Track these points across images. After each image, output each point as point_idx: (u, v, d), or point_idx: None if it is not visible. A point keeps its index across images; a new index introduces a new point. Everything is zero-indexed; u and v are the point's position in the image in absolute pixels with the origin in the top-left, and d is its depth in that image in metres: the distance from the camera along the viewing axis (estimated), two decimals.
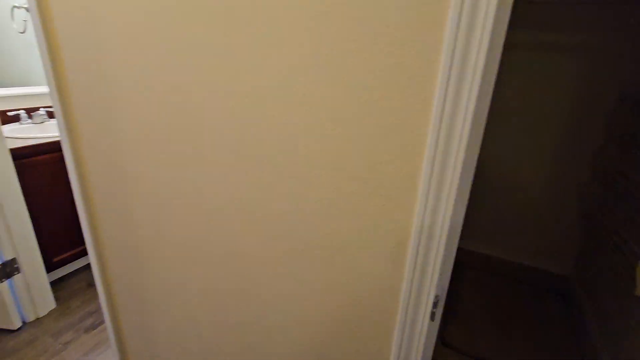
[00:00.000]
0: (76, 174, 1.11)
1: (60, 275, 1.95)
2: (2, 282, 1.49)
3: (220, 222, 0.84)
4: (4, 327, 1.57)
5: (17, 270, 1.55)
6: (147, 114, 0.86)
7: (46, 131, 1.97)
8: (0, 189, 1.44)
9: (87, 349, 1.52)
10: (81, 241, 1.98)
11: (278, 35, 0.61)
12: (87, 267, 2.06)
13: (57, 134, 1.81)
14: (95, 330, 1.61)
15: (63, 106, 1.01)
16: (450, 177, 0.53)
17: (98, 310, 1.74)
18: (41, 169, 1.70)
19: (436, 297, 0.59)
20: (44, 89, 2.12)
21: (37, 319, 1.66)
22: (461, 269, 2.08)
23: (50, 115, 2.09)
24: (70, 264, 1.99)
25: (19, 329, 1.59)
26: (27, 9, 2.23)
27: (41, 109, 2.00)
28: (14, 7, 2.22)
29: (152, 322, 1.17)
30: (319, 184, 0.66)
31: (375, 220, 0.62)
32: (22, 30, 2.28)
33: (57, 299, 1.78)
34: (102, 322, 1.67)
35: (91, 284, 1.92)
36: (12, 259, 1.53)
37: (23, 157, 1.60)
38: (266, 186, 0.73)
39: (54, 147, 1.74)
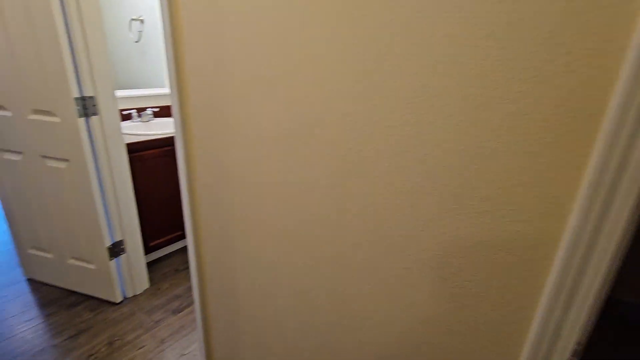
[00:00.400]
0: (185, 168, 1.20)
1: (153, 259, 2.17)
2: (111, 260, 1.70)
3: (321, 229, 0.85)
4: (110, 299, 1.79)
5: (123, 250, 1.76)
6: (257, 122, 0.90)
7: (151, 129, 2.21)
8: (118, 179, 1.64)
9: (175, 329, 1.65)
10: (173, 229, 2.18)
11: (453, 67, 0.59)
12: (175, 253, 2.26)
13: (160, 131, 2.02)
14: (181, 313, 1.75)
15: (181, 107, 1.11)
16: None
17: (184, 294, 1.89)
18: (147, 163, 1.91)
19: (577, 344, 0.51)
20: (151, 91, 2.38)
21: (134, 295, 1.86)
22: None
23: (155, 114, 2.35)
24: (162, 249, 2.20)
25: (120, 302, 1.80)
26: (142, 21, 2.54)
27: (148, 109, 2.25)
28: (132, 19, 2.54)
29: (238, 315, 1.22)
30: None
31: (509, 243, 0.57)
32: (136, 40, 2.61)
33: (150, 279, 1.98)
34: (187, 305, 1.80)
35: (178, 270, 2.10)
36: (120, 241, 1.73)
37: (133, 151, 1.82)
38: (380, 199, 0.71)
39: (158, 144, 1.94)
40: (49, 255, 1.81)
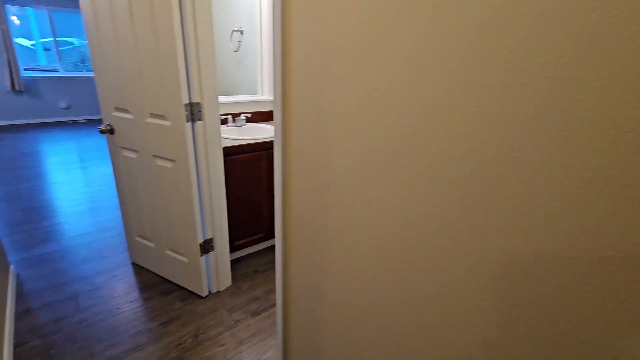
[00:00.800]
0: (281, 173, 1.20)
1: (234, 257, 2.27)
2: (201, 256, 1.80)
3: (434, 259, 0.74)
4: (197, 292, 1.90)
5: (212, 248, 1.85)
6: (364, 135, 0.84)
7: (243, 134, 2.33)
8: (214, 181, 1.74)
9: (253, 331, 1.68)
10: (255, 231, 2.26)
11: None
12: (255, 254, 2.33)
13: (252, 137, 2.10)
14: (259, 317, 1.78)
15: (283, 114, 1.10)
16: None
17: (262, 297, 1.92)
18: (238, 167, 2.00)
19: None
20: (245, 97, 2.51)
21: (218, 292, 1.95)
22: None
23: (248, 120, 2.47)
24: (244, 249, 2.29)
25: (205, 297, 1.91)
26: (241, 32, 2.71)
27: (242, 114, 2.37)
28: (233, 30, 2.72)
29: (321, 334, 1.17)
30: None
31: None
32: (235, 50, 2.79)
33: (231, 278, 2.06)
34: (264, 309, 1.83)
35: (257, 271, 2.16)
36: (210, 238, 1.83)
37: (227, 154, 1.91)
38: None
39: (249, 148, 2.02)
40: (150, 245, 2.00)
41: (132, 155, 1.83)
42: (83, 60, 7.17)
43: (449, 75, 0.64)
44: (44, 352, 1.53)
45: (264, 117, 2.62)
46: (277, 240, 1.30)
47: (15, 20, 6.03)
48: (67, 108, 6.36)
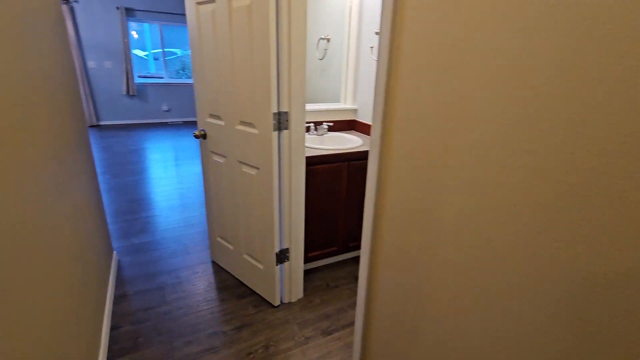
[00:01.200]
0: (374, 194, 1.09)
1: (307, 268, 2.23)
2: (277, 265, 1.79)
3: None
4: (270, 300, 1.90)
5: (287, 258, 1.83)
6: (481, 164, 0.69)
7: (324, 143, 2.29)
8: (295, 191, 1.71)
9: (323, 353, 1.60)
10: (329, 244, 2.18)
11: None
12: (327, 267, 2.26)
13: (333, 147, 2.04)
14: (330, 336, 1.69)
15: (384, 127, 1.00)
16: None
17: (334, 315, 1.83)
18: (317, 177, 1.95)
19: None
20: (328, 106, 2.48)
21: (289, 302, 1.92)
22: None
23: (330, 129, 2.43)
24: (317, 261, 2.24)
25: (277, 306, 1.89)
26: (328, 40, 2.69)
27: (324, 123, 2.34)
28: (320, 38, 2.72)
29: None
30: None
31: None
32: (321, 58, 2.78)
33: (303, 290, 2.01)
34: (336, 329, 1.74)
35: (329, 285, 2.08)
36: (286, 248, 1.81)
37: (308, 164, 1.88)
38: None
39: (330, 159, 1.95)
40: (230, 247, 2.07)
41: (221, 160, 1.90)
42: (183, 69, 8.04)
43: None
44: (133, 338, 1.65)
45: (346, 126, 2.55)
46: (363, 270, 1.19)
47: (134, 34, 7.01)
48: (168, 111, 7.17)
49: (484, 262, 0.77)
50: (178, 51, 8.02)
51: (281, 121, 1.56)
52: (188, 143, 5.54)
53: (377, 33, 2.17)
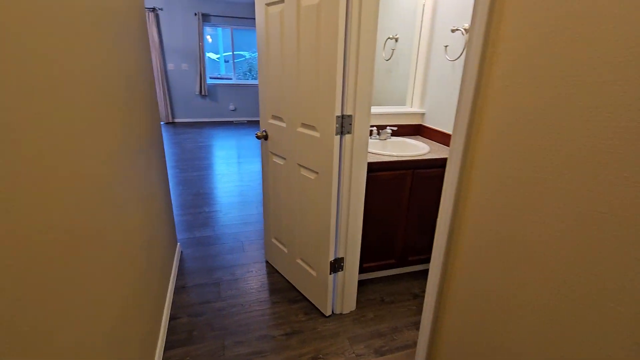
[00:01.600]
0: (452, 204, 0.96)
1: (361, 279, 2.12)
2: (330, 274, 1.71)
3: None
4: (321, 309, 1.83)
5: (342, 268, 1.74)
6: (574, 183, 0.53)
7: (386, 148, 2.16)
8: (353, 198, 1.62)
9: None
10: (386, 255, 2.05)
11: None
12: (382, 280, 2.14)
13: (396, 153, 1.91)
14: (382, 358, 1.57)
15: (468, 136, 0.87)
16: None
17: (387, 334, 1.71)
18: (377, 185, 1.83)
19: None
20: (393, 109, 2.34)
21: (341, 314, 1.84)
22: None
23: (393, 133, 2.29)
24: (372, 272, 2.12)
25: (328, 316, 1.82)
26: (396, 40, 2.55)
27: (387, 127, 2.21)
28: (388, 38, 2.59)
29: None
30: None
31: None
32: (387, 58, 2.65)
33: (356, 302, 1.91)
34: (390, 350, 1.61)
35: (384, 300, 1.95)
36: (341, 258, 1.73)
37: (369, 170, 1.77)
38: None
39: (394, 166, 1.83)
40: (284, 249, 2.05)
41: (280, 162, 1.89)
42: (250, 70, 8.41)
43: None
44: (189, 331, 1.70)
45: (411, 130, 2.39)
46: (430, 293, 1.06)
47: (209, 39, 7.51)
48: (234, 110, 7.56)
49: (584, 309, 0.60)
50: (246, 54, 8.43)
51: (344, 125, 1.48)
52: (250, 142, 5.76)
53: (453, 30, 1.99)
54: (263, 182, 2.12)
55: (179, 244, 2.40)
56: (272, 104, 1.84)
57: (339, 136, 1.49)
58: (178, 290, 2.00)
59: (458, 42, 1.98)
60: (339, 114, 1.45)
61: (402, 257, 2.08)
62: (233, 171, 4.20)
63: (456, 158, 0.95)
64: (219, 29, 7.45)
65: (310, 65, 1.49)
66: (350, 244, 1.71)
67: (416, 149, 2.07)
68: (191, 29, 6.69)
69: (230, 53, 7.40)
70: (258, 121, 7.62)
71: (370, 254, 1.99)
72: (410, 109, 2.38)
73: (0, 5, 0.55)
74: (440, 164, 1.92)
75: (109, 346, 0.93)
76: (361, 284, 2.09)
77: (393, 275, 2.19)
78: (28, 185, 0.61)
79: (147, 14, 6.29)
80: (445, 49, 2.07)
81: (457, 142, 0.95)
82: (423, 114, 2.37)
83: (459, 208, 0.94)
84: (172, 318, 1.78)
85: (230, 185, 3.72)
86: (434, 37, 2.19)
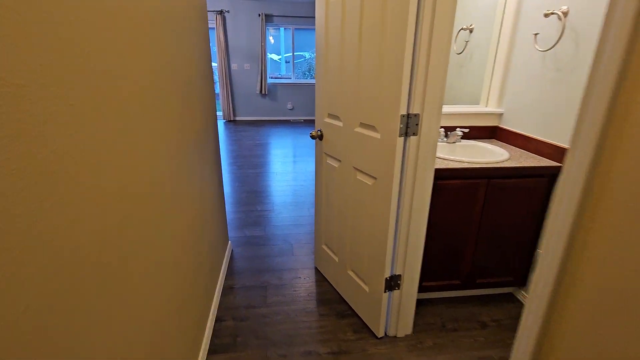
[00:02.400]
0: (568, 231, 0.74)
1: (419, 298, 1.89)
2: (385, 292, 1.53)
3: None
4: (372, 328, 1.66)
5: (398, 286, 1.55)
6: None
7: (455, 153, 1.90)
8: (416, 209, 1.42)
9: None
10: (449, 275, 1.80)
11: None
12: (442, 302, 1.89)
13: (467, 158, 1.65)
14: None
15: (600, 142, 0.64)
16: None
17: None
18: (444, 195, 1.60)
19: None
20: (464, 108, 2.07)
21: (395, 337, 1.64)
22: None
23: (464, 135, 2.02)
24: (432, 292, 1.88)
25: (380, 338, 1.63)
26: (471, 30, 2.26)
27: (457, 129, 1.95)
28: (461, 29, 2.30)
29: None
30: None
31: None
32: (459, 52, 2.37)
33: (413, 324, 1.70)
34: None
35: (444, 327, 1.71)
36: (398, 275, 1.53)
37: (435, 177, 1.55)
38: None
39: (466, 174, 1.58)
40: (334, 258, 1.90)
41: (335, 164, 1.74)
42: (309, 70, 8.43)
43: None
44: (233, 335, 1.64)
45: (484, 133, 2.09)
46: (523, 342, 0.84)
47: (271, 40, 7.67)
48: (291, 109, 7.62)
49: None
50: (306, 54, 8.47)
51: (409, 125, 1.29)
52: (306, 141, 5.72)
53: (547, 15, 1.67)
54: (316, 184, 2.00)
55: (230, 242, 2.39)
56: (328, 101, 1.71)
57: (402, 138, 1.30)
58: (226, 290, 1.96)
59: (553, 28, 1.65)
60: (404, 112, 1.26)
61: (468, 278, 1.81)
62: (288, 170, 4.18)
63: (576, 174, 0.72)
64: (281, 29, 7.57)
65: (373, 56, 1.33)
66: (410, 260, 1.51)
67: (492, 154, 1.78)
68: (254, 30, 6.87)
69: (291, 54, 7.46)
70: (314, 120, 7.60)
71: (431, 272, 1.76)
72: (484, 108, 2.09)
73: (74, 20, 0.57)
74: (524, 173, 1.62)
75: (152, 349, 0.87)
76: (419, 303, 1.87)
77: (457, 297, 1.93)
78: (83, 189, 0.57)
79: (215, 16, 6.60)
80: (535, 38, 1.75)
81: (581, 150, 0.71)
82: (500, 115, 2.06)
83: (579, 235, 0.71)
84: (218, 320, 1.74)
85: (284, 184, 3.68)
86: (520, 24, 1.88)
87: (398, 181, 1.37)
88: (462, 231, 1.69)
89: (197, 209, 1.45)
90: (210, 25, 6.75)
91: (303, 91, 7.54)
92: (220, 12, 6.56)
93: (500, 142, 2.05)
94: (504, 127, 2.04)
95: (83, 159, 0.59)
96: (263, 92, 7.23)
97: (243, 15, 6.76)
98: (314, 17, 6.95)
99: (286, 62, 8.38)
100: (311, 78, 7.95)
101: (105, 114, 0.68)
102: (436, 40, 1.19)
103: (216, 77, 7.12)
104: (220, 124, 7.04)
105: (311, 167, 4.31)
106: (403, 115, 1.26)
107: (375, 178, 1.45)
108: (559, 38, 1.60)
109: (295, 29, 7.23)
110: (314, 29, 7.24)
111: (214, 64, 8.67)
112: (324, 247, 2.01)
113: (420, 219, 1.45)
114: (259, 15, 6.75)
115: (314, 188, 3.57)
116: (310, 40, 7.77)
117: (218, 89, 7.16)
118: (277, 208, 3.07)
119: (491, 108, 2.07)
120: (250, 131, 6.39)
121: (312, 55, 8.25)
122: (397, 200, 1.40)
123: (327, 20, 1.60)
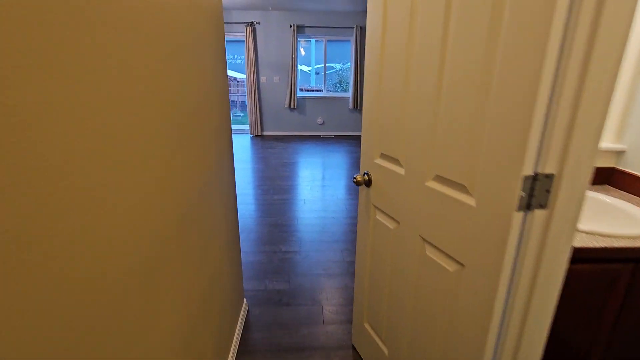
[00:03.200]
0: None
1: None
2: None
3: None
4: None
5: None
6: None
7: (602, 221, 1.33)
8: (535, 313, 0.88)
9: None
10: None
11: None
12: None
13: (598, 228, 1.09)
14: None
15: None
16: None
17: None
18: (573, 285, 1.04)
19: None
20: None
21: None
22: None
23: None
24: None
25: None
26: None
27: None
28: None
29: None
30: None
31: None
32: None
33: None
34: None
35: None
36: None
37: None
38: None
39: (592, 255, 1.02)
40: (383, 349, 1.38)
41: (389, 224, 1.23)
42: (340, 82, 8.01)
43: None
44: None
45: (594, 177, 1.51)
46: None
47: (302, 52, 7.34)
48: (321, 124, 7.19)
49: None
50: (337, 65, 8.07)
51: (535, 194, 0.76)
52: (336, 160, 5.24)
53: None
54: (358, 240, 1.50)
55: (245, 300, 1.92)
56: (381, 135, 1.21)
57: (522, 213, 0.77)
58: None
59: None
60: (530, 172, 0.74)
61: None
62: (316, 196, 3.70)
63: None
64: (312, 40, 7.23)
65: (470, 69, 0.82)
66: None
67: (636, 222, 1.20)
68: (285, 41, 6.55)
69: (322, 65, 7.08)
70: (345, 136, 7.12)
71: None
72: (612, 145, 1.51)
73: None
74: None
75: None
76: None
77: None
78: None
79: (245, 27, 6.34)
80: None
81: None
82: (620, 153, 1.47)
83: None
84: None
85: (313, 215, 3.20)
86: None
87: (508, 277, 0.83)
88: (587, 335, 1.12)
89: (198, 270, 0.98)
90: (240, 37, 6.50)
91: (334, 105, 7.10)
92: (251, 24, 6.30)
93: (617, 189, 1.46)
94: (626, 169, 1.45)
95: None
96: (292, 105, 6.87)
97: (274, 26, 6.47)
98: (346, 27, 6.54)
99: (316, 73, 8.03)
100: (342, 91, 7.52)
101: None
102: (601, 43, 0.66)
103: (245, 90, 6.86)
104: (247, 139, 6.72)
105: (342, 193, 3.81)
106: (527, 177, 0.74)
107: (461, 265, 0.93)
108: None
109: (328, 40, 6.84)
110: (346, 41, 6.83)
111: (242, 76, 8.46)
112: (367, 326, 1.50)
113: (542, 326, 0.90)
114: (291, 26, 6.43)
115: (346, 221, 3.06)
116: (341, 51, 7.37)
117: (247, 102, 6.89)
118: (305, 249, 2.58)
119: (606, 143, 1.49)
120: (278, 147, 6.00)
121: (343, 67, 7.85)
122: (503, 301, 0.86)
123: (385, 21, 1.11)
